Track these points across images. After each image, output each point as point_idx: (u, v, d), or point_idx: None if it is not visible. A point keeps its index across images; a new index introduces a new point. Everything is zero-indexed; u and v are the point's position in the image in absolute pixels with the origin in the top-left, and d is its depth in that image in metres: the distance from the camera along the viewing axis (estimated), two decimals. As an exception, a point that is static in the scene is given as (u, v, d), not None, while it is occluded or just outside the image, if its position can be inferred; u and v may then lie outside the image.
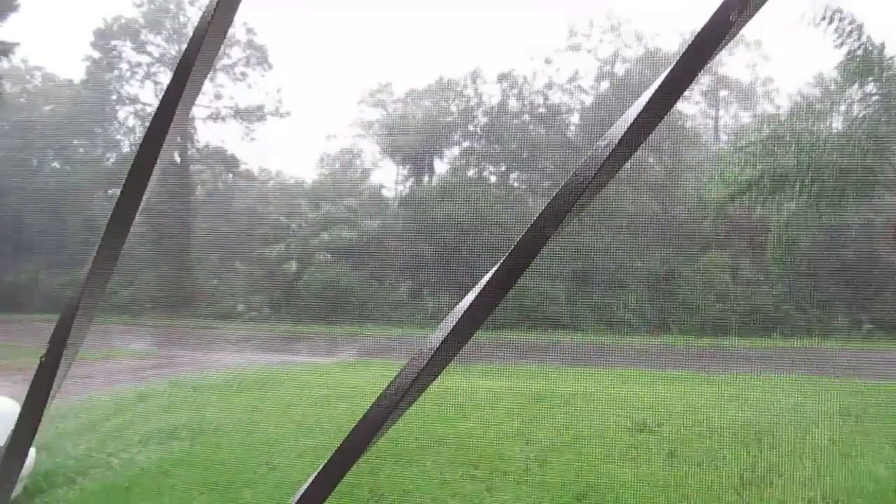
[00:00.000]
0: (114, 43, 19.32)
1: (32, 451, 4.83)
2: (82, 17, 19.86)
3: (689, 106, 14.27)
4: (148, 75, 19.36)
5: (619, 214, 12.37)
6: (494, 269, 0.56)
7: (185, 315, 14.99)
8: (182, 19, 19.73)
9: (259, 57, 20.22)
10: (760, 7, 0.49)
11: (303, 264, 14.57)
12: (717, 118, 15.50)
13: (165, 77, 19.41)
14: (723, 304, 12.02)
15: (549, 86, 15.65)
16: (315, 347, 12.18)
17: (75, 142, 18.11)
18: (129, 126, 19.41)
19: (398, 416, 0.57)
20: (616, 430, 6.65)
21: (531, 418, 7.36)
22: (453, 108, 17.27)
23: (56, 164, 18.56)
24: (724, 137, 15.13)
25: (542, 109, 15.79)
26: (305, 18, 21.69)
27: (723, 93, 15.10)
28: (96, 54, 18.97)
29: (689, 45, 0.50)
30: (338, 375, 9.51)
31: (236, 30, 19.97)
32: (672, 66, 0.51)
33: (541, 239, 0.54)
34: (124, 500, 5.02)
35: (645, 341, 11.31)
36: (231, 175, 19.01)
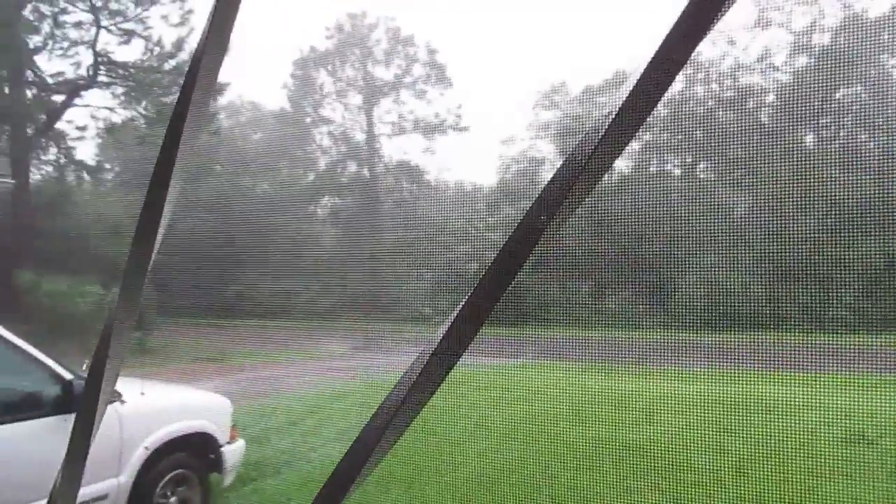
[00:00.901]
0: (310, 71, 21.18)
1: (242, 443, 5.41)
2: (282, 49, 21.99)
3: (912, 71, 12.34)
4: (339, 97, 20.95)
5: (824, 199, 11.05)
6: (485, 271, 0.50)
7: (377, 319, 15.95)
8: (369, 44, 21.10)
9: (439, 75, 21.04)
10: None
11: (483, 266, 14.85)
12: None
13: (355, 99, 20.90)
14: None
15: (737, 67, 14.45)
16: (497, 349, 12.33)
17: (280, 164, 20.09)
18: (324, 146, 21.10)
19: (395, 435, 0.54)
20: (826, 441, 5.92)
21: (726, 426, 6.81)
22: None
23: (266, 186, 20.71)
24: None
25: (730, 93, 14.61)
26: (478, 27, 22.12)
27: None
28: (295, 82, 20.89)
29: (675, 25, 0.42)
30: (518, 377, 9.53)
31: (418, 49, 20.98)
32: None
33: (534, 232, 0.47)
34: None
35: (862, 341, 9.97)
36: (415, 185, 19.94)
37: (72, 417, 4.19)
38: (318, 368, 11.59)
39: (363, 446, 0.54)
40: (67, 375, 4.26)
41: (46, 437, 4.08)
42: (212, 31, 0.58)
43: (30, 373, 4.23)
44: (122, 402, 4.55)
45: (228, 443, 5.20)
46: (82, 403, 0.67)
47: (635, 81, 0.48)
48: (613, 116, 0.48)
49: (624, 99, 0.49)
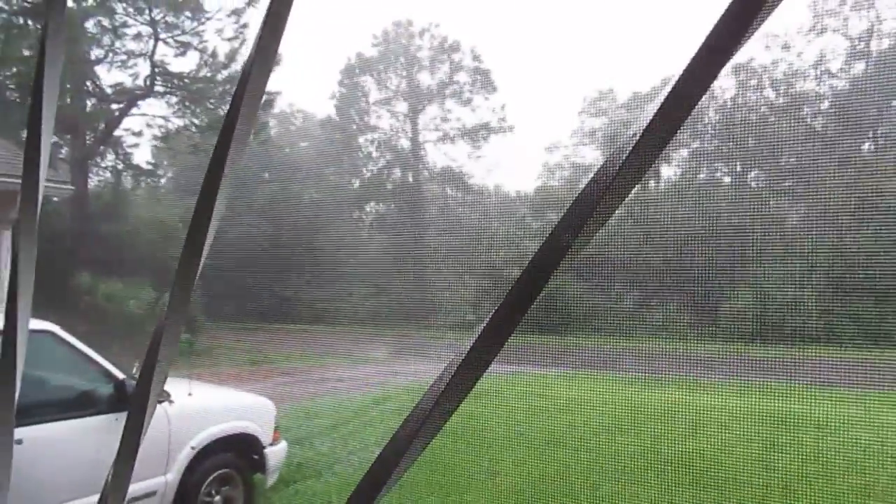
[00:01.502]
0: (357, 79, 21.49)
1: (284, 444, 5.51)
2: (330, 58, 22.39)
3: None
4: (385, 104, 21.19)
5: (881, 210, 10.66)
6: (510, 289, 0.53)
7: (420, 325, 16.04)
8: (415, 51, 21.30)
9: (483, 80, 21.09)
10: None
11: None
12: None
13: (402, 107, 21.10)
14: None
15: (792, 73, 14.08)
16: (539, 357, 12.25)
17: (327, 171, 20.42)
18: (368, 153, 21.35)
19: (423, 444, 0.56)
20: (878, 460, 5.71)
21: (773, 442, 6.63)
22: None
23: (313, 193, 21.07)
24: None
25: (782, 100, 14.25)
26: (524, 34, 22.11)
27: None
28: (342, 90, 21.22)
29: (715, 27, 0.43)
30: (559, 387, 9.45)
31: (464, 55, 21.09)
32: (710, 33, 0.44)
33: (559, 251, 0.49)
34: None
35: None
36: (460, 191, 20.01)
37: (123, 415, 4.35)
38: (360, 373, 11.72)
39: (392, 453, 0.57)
40: (120, 375, 4.44)
41: (100, 433, 4.25)
42: (261, 44, 0.62)
43: (85, 372, 4.42)
44: (171, 402, 4.70)
45: (272, 444, 5.31)
46: (133, 404, 0.72)
47: (665, 94, 0.50)
48: (641, 131, 0.50)
49: (654, 112, 0.50)
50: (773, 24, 13.59)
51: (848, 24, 12.89)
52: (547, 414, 7.86)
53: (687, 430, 7.19)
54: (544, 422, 7.60)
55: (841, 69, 13.40)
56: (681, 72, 0.48)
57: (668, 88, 0.50)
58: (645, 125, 0.49)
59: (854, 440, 6.31)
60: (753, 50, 14.09)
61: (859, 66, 12.91)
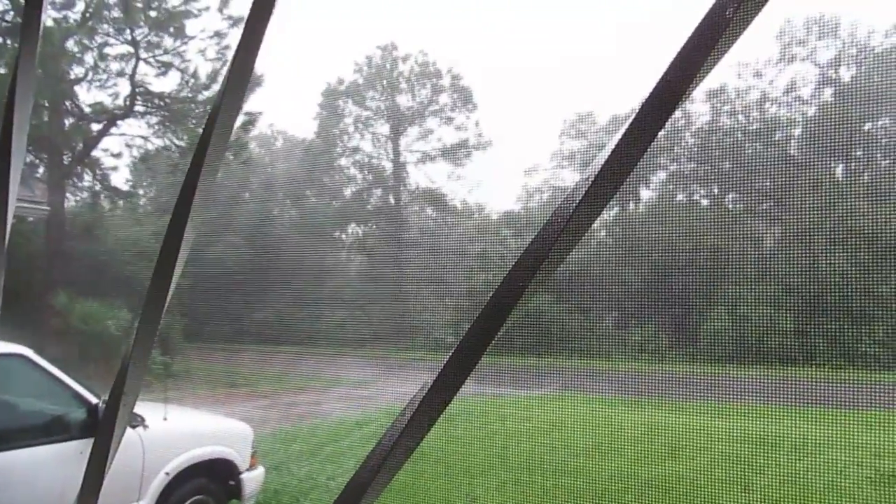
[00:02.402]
0: (338, 102, 21.57)
1: (262, 470, 5.43)
2: (312, 81, 22.48)
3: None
4: (366, 127, 21.26)
5: (854, 233, 10.87)
6: (469, 326, 0.54)
7: (400, 347, 15.96)
8: (395, 75, 21.45)
9: (463, 99, 21.27)
10: (761, 7, 0.42)
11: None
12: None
13: (382, 128, 21.20)
14: None
15: (764, 100, 14.39)
16: (519, 379, 12.24)
17: (307, 192, 20.39)
18: (351, 175, 21.37)
19: (385, 479, 0.56)
20: (854, 480, 5.76)
21: (751, 463, 6.66)
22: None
23: (294, 213, 21.01)
24: None
25: (756, 125, 14.54)
26: (504, 53, 22.37)
27: None
28: (323, 113, 21.29)
29: (678, 53, 0.45)
30: (540, 409, 9.44)
31: (445, 77, 21.29)
32: (658, 80, 0.45)
33: (517, 290, 0.51)
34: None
35: (894, 378, 9.71)
36: (439, 212, 20.06)
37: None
38: (340, 396, 11.61)
39: (364, 477, 0.57)
40: (93, 400, 4.35)
41: (72, 460, 4.16)
42: (236, 63, 0.63)
43: (57, 397, 4.33)
44: (146, 426, 4.62)
45: (248, 470, 5.23)
46: (98, 438, 0.71)
47: (625, 127, 0.51)
48: (606, 157, 0.51)
49: (616, 141, 0.52)
50: (745, 54, 13.92)
51: (816, 53, 13.25)
52: (526, 436, 7.84)
53: (666, 451, 7.21)
54: (524, 444, 7.58)
55: (812, 95, 13.73)
56: (639, 105, 0.50)
57: (630, 120, 0.51)
58: (609, 152, 0.50)
59: (831, 461, 6.37)
60: (726, 76, 14.39)
61: (829, 92, 13.24)
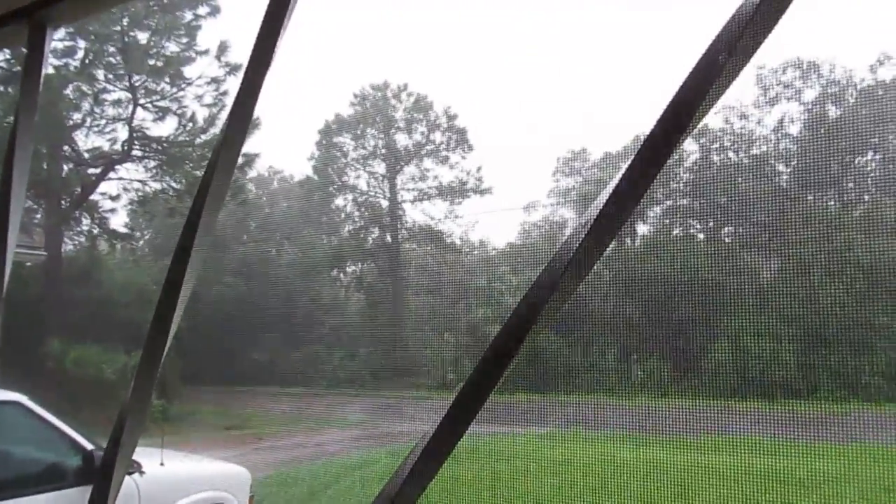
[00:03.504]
0: (335, 139, 21.76)
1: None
2: (308, 120, 22.71)
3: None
4: (363, 166, 21.43)
5: (852, 264, 10.90)
6: (478, 362, 0.53)
7: (400, 386, 15.80)
8: (391, 112, 21.71)
9: (459, 139, 21.48)
10: (752, 54, 0.42)
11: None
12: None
13: (379, 167, 21.37)
14: None
15: (752, 139, 14.63)
16: (523, 416, 12.10)
17: (304, 232, 20.45)
18: (348, 212, 21.46)
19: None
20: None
21: (758, 501, 6.55)
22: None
23: (291, 253, 21.03)
24: None
25: (747, 161, 14.71)
26: (499, 95, 22.69)
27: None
28: (319, 152, 21.46)
29: (674, 97, 0.45)
30: (545, 447, 9.31)
31: (440, 115, 21.54)
32: (655, 123, 0.46)
33: (525, 325, 0.50)
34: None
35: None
36: (437, 249, 20.08)
37: (91, 488, 4.17)
38: (340, 436, 11.45)
39: None
40: (88, 446, 4.28)
41: (67, 509, 4.08)
42: (235, 109, 0.63)
43: (53, 444, 4.26)
44: (142, 472, 4.54)
45: (246, 515, 5.13)
46: (96, 486, 0.70)
47: (624, 169, 0.51)
48: (609, 195, 0.51)
49: (620, 176, 0.52)
50: (727, 97, 14.17)
51: (801, 94, 13.53)
52: (531, 476, 7.72)
53: (672, 488, 7.10)
54: (529, 485, 7.45)
55: (800, 132, 13.95)
56: (637, 148, 0.50)
57: (629, 162, 0.51)
58: (612, 188, 0.50)
59: (836, 496, 6.26)
60: (712, 119, 14.61)
61: (816, 129, 13.46)
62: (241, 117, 0.64)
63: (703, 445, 8.60)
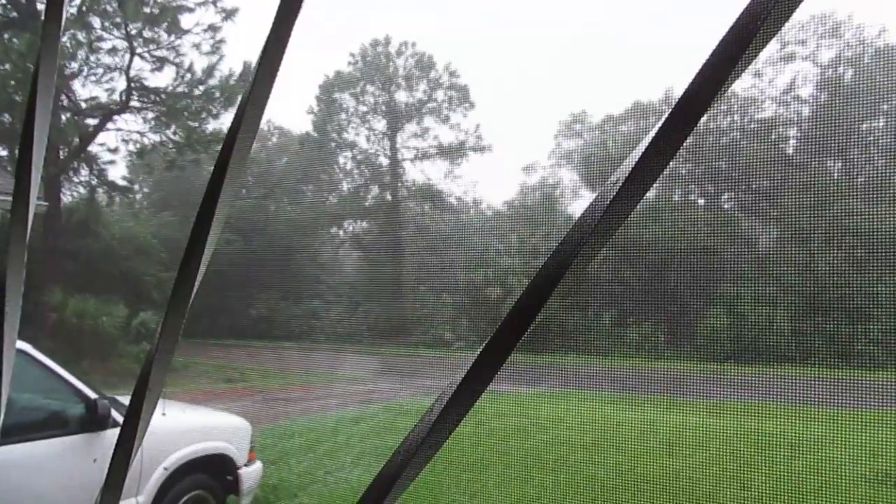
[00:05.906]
0: (334, 95, 21.50)
1: (259, 465, 5.43)
2: (308, 74, 22.39)
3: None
4: (363, 122, 21.21)
5: (851, 232, 10.90)
6: (495, 331, 0.53)
7: (397, 343, 15.96)
8: (391, 70, 21.39)
9: (461, 97, 21.23)
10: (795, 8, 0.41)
11: (505, 290, 14.82)
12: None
13: (378, 124, 21.16)
14: None
15: (762, 99, 14.43)
16: (518, 376, 12.27)
17: (304, 187, 20.34)
18: (348, 169, 21.32)
19: (412, 473, 0.56)
20: (851, 479, 5.78)
21: (748, 461, 6.69)
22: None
23: (289, 208, 20.97)
24: None
25: (753, 125, 14.57)
26: (502, 55, 22.38)
27: None
28: (319, 107, 21.22)
29: (708, 59, 0.44)
30: (539, 406, 9.45)
31: (440, 73, 21.25)
32: (690, 82, 0.45)
33: (542, 297, 0.50)
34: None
35: (891, 376, 9.74)
36: (437, 209, 20.04)
37: (94, 436, 4.23)
38: (338, 391, 11.61)
39: (392, 468, 0.56)
40: (92, 395, 4.34)
41: (71, 454, 4.15)
42: (262, 66, 0.62)
43: (57, 392, 4.32)
44: (145, 422, 4.60)
45: (246, 465, 5.22)
46: (122, 433, 0.70)
47: (650, 137, 0.50)
48: (639, 156, 0.50)
49: (637, 157, 0.51)
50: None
51: (817, 53, 13.26)
52: (526, 432, 7.85)
53: (664, 448, 7.23)
54: (523, 441, 7.59)
55: (811, 95, 13.75)
56: (664, 117, 0.49)
57: (655, 130, 0.50)
58: (635, 160, 0.49)
59: (827, 459, 6.40)
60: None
61: (828, 92, 13.27)
62: (272, 63, 0.63)
63: (695, 407, 8.75)
